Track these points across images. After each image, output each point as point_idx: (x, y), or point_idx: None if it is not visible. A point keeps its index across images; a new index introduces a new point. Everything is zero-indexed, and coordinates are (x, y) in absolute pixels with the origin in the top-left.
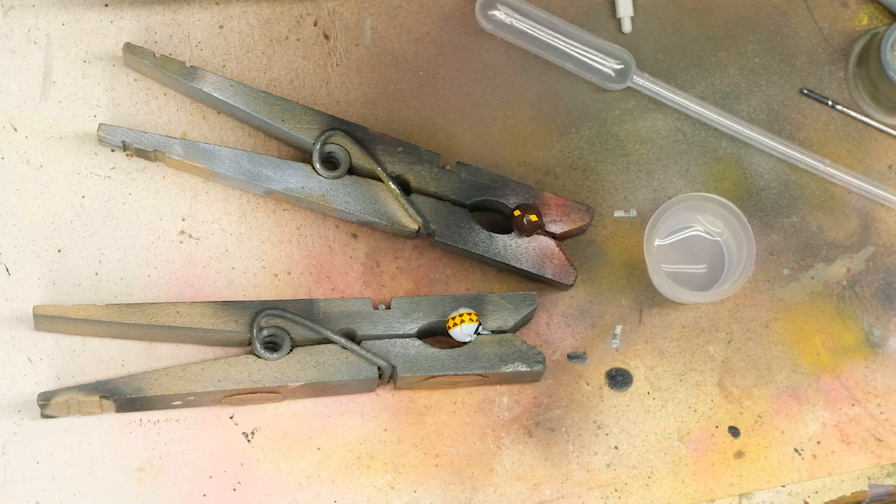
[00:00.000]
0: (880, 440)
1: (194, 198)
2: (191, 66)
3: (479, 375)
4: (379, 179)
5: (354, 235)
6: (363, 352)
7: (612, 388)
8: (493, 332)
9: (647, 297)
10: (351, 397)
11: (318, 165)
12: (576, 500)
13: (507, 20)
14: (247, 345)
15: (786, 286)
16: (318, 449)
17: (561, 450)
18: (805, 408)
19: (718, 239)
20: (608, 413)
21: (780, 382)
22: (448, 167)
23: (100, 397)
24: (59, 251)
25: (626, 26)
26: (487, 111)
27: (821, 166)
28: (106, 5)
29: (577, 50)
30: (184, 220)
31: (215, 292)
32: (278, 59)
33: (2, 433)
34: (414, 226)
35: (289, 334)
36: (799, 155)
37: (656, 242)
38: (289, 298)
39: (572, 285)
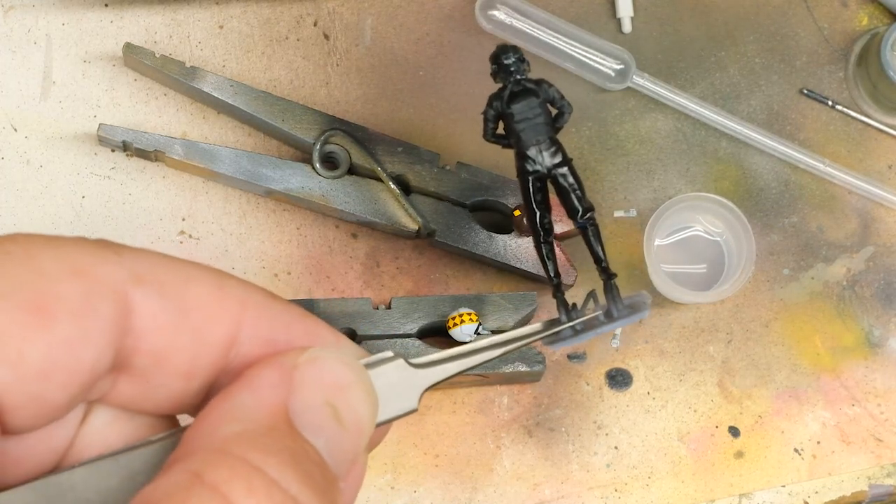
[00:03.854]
0: (880, 440)
1: (194, 198)
2: (191, 66)
3: (479, 375)
4: (379, 179)
5: (354, 235)
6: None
7: (612, 388)
8: (493, 332)
9: None
10: None
11: (318, 165)
12: (576, 500)
13: (507, 20)
14: None
15: (786, 286)
16: None
17: (561, 450)
18: (805, 408)
19: (718, 239)
20: (608, 413)
21: (780, 382)
22: (448, 167)
23: None
24: None
25: (626, 26)
26: None
27: (821, 166)
28: (106, 5)
29: (577, 50)
30: (184, 220)
31: None
32: (278, 59)
33: None
34: (414, 226)
35: None
36: (799, 155)
37: (656, 242)
38: (289, 298)
39: (572, 285)
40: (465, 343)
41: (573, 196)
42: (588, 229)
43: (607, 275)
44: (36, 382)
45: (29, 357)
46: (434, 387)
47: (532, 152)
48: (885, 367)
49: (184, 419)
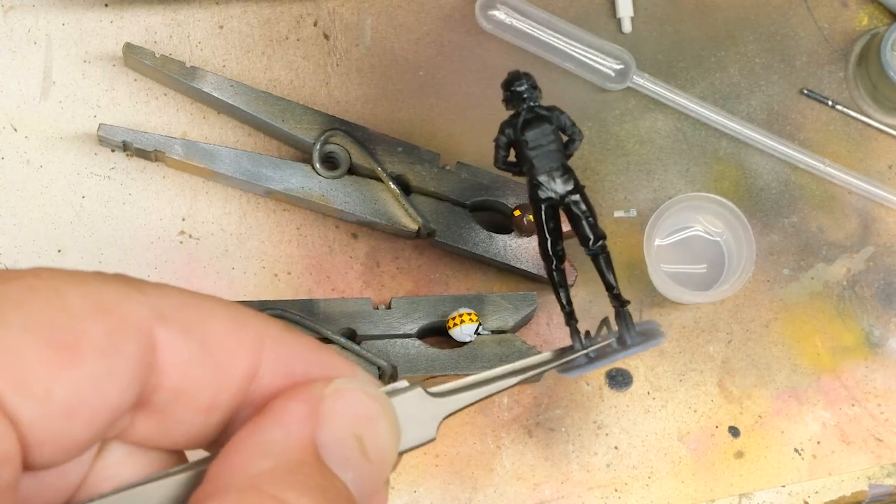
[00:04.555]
0: (880, 440)
1: (194, 198)
2: (191, 66)
3: None
4: (379, 179)
5: (354, 235)
6: (363, 352)
7: (612, 388)
8: (493, 332)
9: (647, 297)
10: None
11: (318, 165)
12: (576, 500)
13: (507, 20)
14: None
15: (786, 286)
16: None
17: (561, 450)
18: (805, 408)
19: (718, 239)
20: (608, 413)
21: (780, 382)
22: (448, 167)
23: None
24: (59, 251)
25: (626, 26)
26: (488, 111)
27: (821, 166)
28: (106, 5)
29: (577, 50)
30: (184, 220)
31: (215, 292)
32: (278, 59)
33: None
34: (414, 226)
35: None
36: (799, 155)
37: (656, 242)
38: (289, 298)
39: (572, 285)
40: (465, 343)
41: (585, 223)
42: (599, 257)
43: (619, 302)
44: (61, 420)
45: (56, 394)
46: (452, 415)
47: (544, 179)
48: (885, 367)
49: (192, 454)
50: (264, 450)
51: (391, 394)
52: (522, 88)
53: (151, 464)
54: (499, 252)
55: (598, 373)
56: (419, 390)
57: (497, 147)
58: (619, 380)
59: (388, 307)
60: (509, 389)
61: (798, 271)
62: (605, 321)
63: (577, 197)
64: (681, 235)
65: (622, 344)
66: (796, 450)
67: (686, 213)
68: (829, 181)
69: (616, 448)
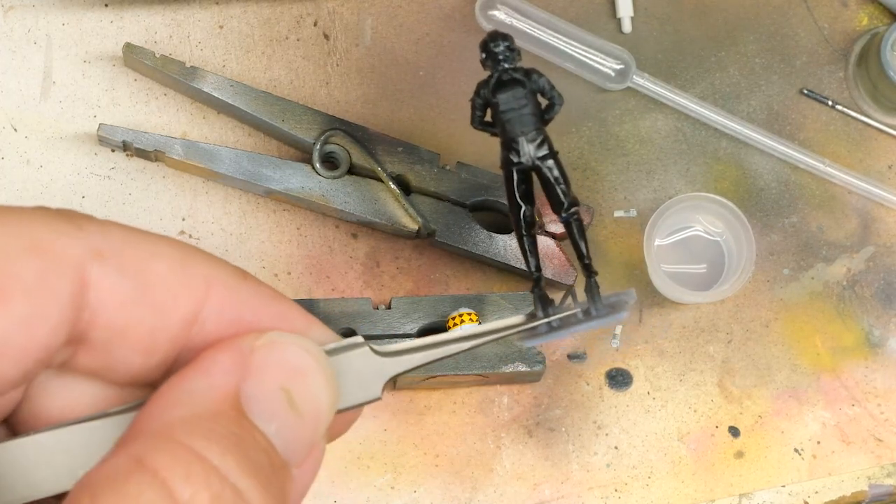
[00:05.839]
0: (880, 440)
1: (194, 198)
2: (191, 66)
3: (479, 375)
4: (379, 179)
5: (354, 235)
6: None
7: (612, 388)
8: None
9: (647, 297)
10: None
11: (318, 165)
12: (576, 500)
13: (507, 20)
14: None
15: (786, 286)
16: None
17: (561, 450)
18: (805, 408)
19: (718, 239)
20: (608, 413)
21: (780, 382)
22: (448, 167)
23: None
24: None
25: (626, 26)
26: None
27: (821, 166)
28: (106, 5)
29: (577, 50)
30: (184, 220)
31: None
32: (278, 59)
33: None
34: (414, 226)
35: None
36: (799, 155)
37: (656, 242)
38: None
39: (572, 285)
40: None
41: (558, 189)
42: (572, 224)
43: (588, 272)
44: None
45: None
46: (400, 376)
47: (516, 143)
48: (885, 367)
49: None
50: (184, 399)
51: (335, 350)
52: (499, 50)
53: (108, 396)
54: (499, 252)
55: (598, 373)
56: (366, 348)
57: (473, 107)
58: (619, 380)
59: (388, 307)
60: (509, 387)
61: (798, 271)
62: (570, 291)
63: (550, 163)
64: (681, 235)
65: (587, 315)
66: (796, 450)
67: (686, 213)
68: (829, 181)
69: (616, 448)
